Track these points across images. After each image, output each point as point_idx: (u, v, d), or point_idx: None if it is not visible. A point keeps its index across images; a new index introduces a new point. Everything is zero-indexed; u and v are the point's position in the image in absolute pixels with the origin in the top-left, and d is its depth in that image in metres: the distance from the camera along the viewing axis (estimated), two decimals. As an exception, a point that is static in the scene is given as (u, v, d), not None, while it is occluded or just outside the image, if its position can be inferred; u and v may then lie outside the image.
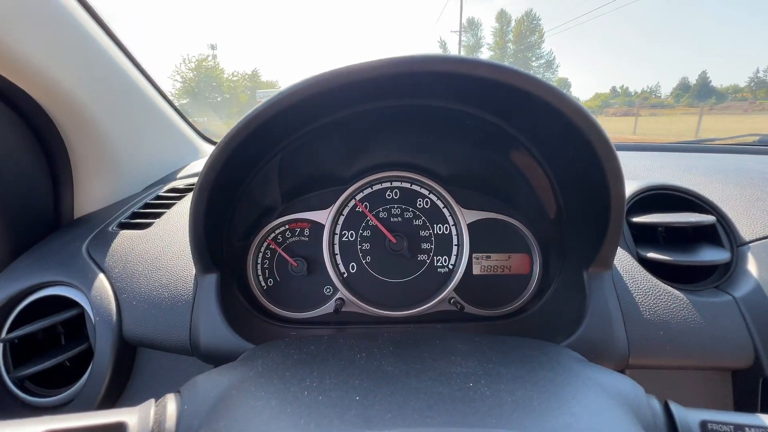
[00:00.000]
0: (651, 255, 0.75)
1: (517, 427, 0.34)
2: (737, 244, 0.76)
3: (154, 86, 1.15)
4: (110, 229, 0.88)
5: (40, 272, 0.77)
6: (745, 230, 0.78)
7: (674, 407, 0.42)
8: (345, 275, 0.86)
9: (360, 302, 0.82)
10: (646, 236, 0.81)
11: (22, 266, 0.80)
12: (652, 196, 0.82)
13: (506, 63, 0.55)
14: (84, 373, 0.71)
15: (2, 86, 0.78)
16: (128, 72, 1.03)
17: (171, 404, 0.40)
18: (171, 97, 1.25)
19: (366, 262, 0.86)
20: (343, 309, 0.84)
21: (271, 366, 0.46)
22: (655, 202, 0.82)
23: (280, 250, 0.85)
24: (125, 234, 0.85)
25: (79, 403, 0.70)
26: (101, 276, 0.76)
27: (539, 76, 0.55)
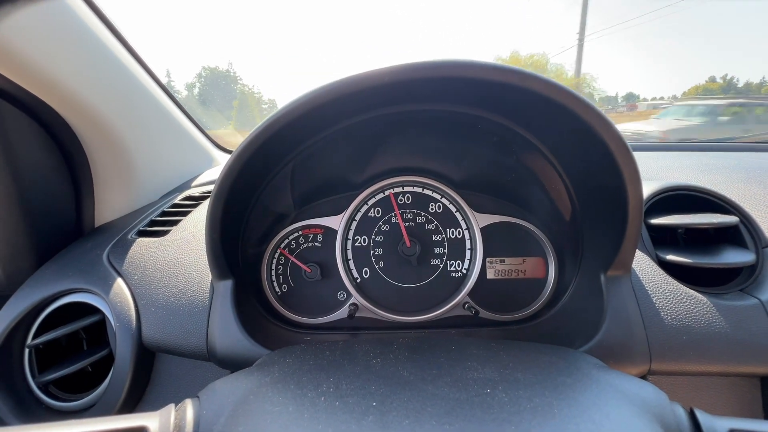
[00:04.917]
0: (671, 257, 0.73)
1: None
2: (762, 246, 0.74)
3: (168, 95, 1.18)
4: (129, 236, 0.90)
5: (63, 280, 0.79)
6: None
7: (700, 415, 0.40)
8: (358, 280, 0.86)
9: (373, 307, 0.82)
10: (665, 238, 0.79)
11: (47, 274, 0.82)
12: (671, 196, 0.80)
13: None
14: (105, 378, 0.73)
15: (29, 101, 0.81)
16: (145, 84, 1.06)
17: (190, 409, 0.41)
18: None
19: (379, 267, 0.86)
20: (357, 314, 0.84)
21: (287, 372, 0.46)
22: (674, 203, 0.80)
23: (292, 258, 0.86)
24: (143, 241, 0.87)
25: (100, 407, 0.72)
26: (121, 283, 0.78)
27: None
